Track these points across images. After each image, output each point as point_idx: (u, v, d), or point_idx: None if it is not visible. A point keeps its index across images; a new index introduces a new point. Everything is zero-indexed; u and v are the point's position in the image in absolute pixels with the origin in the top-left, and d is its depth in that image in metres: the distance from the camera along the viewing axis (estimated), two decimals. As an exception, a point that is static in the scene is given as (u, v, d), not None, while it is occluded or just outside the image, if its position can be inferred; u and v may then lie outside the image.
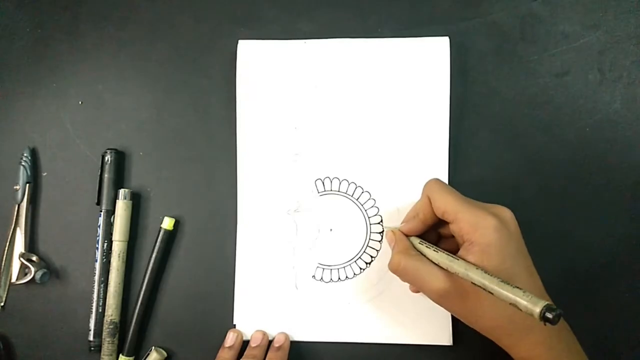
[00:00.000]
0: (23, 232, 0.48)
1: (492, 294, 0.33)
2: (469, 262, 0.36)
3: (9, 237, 0.48)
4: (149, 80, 0.50)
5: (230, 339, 0.46)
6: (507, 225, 0.38)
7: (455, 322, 0.46)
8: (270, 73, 0.48)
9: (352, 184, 0.47)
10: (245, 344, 0.46)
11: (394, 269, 0.40)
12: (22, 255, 0.47)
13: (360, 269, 0.47)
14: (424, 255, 0.40)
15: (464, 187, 0.47)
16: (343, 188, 0.48)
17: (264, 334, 0.46)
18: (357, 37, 0.48)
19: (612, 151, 0.47)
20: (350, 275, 0.47)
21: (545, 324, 0.30)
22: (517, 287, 0.32)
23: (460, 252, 0.38)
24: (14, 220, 0.48)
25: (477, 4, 0.49)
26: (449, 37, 0.47)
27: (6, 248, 0.48)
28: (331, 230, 0.47)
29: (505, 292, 0.32)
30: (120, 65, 0.50)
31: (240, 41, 0.49)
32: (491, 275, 0.34)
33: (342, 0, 0.50)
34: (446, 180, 0.47)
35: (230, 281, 0.47)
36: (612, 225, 0.47)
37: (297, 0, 0.50)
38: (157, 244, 0.47)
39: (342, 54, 0.48)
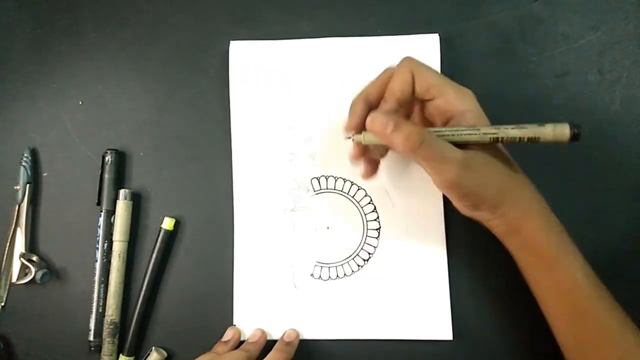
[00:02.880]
0: (23, 232, 0.48)
1: (516, 140, 0.36)
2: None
3: (10, 237, 0.48)
4: (149, 81, 0.50)
5: (227, 334, 0.46)
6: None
7: (456, 317, 0.46)
8: (263, 73, 0.48)
9: (348, 181, 0.48)
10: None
11: (414, 146, 0.36)
12: (22, 256, 0.47)
13: (359, 266, 0.47)
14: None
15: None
16: (339, 186, 0.48)
17: (263, 332, 0.46)
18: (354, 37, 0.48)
19: (612, 151, 0.47)
20: (349, 272, 0.47)
21: (572, 141, 0.34)
22: (538, 124, 0.35)
23: (450, 124, 0.39)
24: (15, 220, 0.48)
25: (477, 5, 0.49)
26: (449, 38, 0.47)
27: (6, 248, 0.48)
28: (328, 228, 0.48)
29: (537, 130, 0.35)
30: (120, 65, 0.51)
31: (232, 42, 0.49)
32: (511, 125, 0.36)
33: (341, 1, 0.50)
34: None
35: (231, 281, 0.47)
36: (612, 225, 0.47)
37: (296, 1, 0.50)
38: (157, 244, 0.47)
39: (334, 52, 0.48)
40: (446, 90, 0.39)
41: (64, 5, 0.51)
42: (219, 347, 0.45)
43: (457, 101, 0.39)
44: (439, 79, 0.39)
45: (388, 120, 0.36)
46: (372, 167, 0.44)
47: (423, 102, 0.41)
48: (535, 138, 0.36)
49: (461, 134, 0.37)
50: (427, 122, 0.42)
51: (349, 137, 0.41)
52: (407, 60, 0.40)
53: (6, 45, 0.51)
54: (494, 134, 0.37)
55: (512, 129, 0.36)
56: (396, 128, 0.36)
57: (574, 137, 0.33)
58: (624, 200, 0.47)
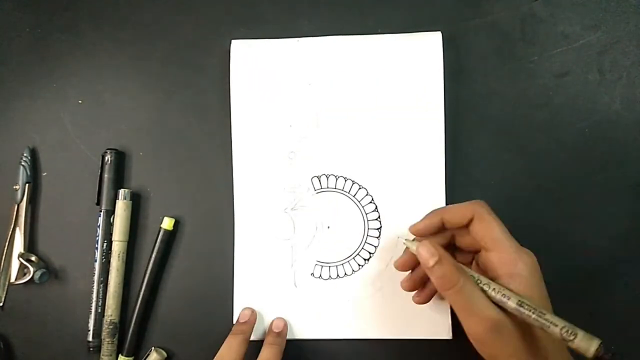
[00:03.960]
0: (22, 232, 0.48)
1: (542, 329, 0.33)
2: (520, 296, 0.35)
3: (9, 237, 0.48)
4: (149, 81, 0.50)
5: (245, 314, 0.46)
6: (539, 268, 0.37)
7: (455, 316, 0.46)
8: (264, 72, 0.48)
9: (349, 180, 0.48)
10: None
11: (449, 285, 0.36)
12: (21, 255, 0.47)
13: (359, 265, 0.47)
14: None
15: (464, 187, 0.47)
16: (339, 185, 0.48)
17: (253, 311, 0.46)
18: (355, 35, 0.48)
19: (611, 151, 0.47)
20: (349, 272, 0.47)
21: None
22: (575, 326, 0.32)
23: (501, 283, 0.36)
24: (14, 220, 0.48)
25: (477, 4, 0.49)
26: (449, 38, 0.48)
27: (5, 248, 0.48)
28: (329, 227, 0.47)
29: (560, 324, 0.32)
30: (120, 65, 0.50)
31: (233, 41, 0.49)
32: (544, 312, 0.33)
33: (341, 0, 0.50)
34: (443, 179, 0.47)
35: (231, 281, 0.47)
36: (612, 225, 0.47)
37: (296, 1, 0.50)
38: (157, 244, 0.47)
39: (335, 51, 0.48)
40: (503, 247, 0.37)
41: (64, 5, 0.51)
42: (239, 327, 0.45)
43: (510, 262, 0.36)
44: (499, 233, 0.37)
45: (434, 253, 0.37)
46: (425, 296, 0.43)
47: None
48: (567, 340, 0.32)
49: (503, 297, 0.35)
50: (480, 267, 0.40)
51: (402, 239, 0.42)
52: (477, 205, 0.39)
53: (6, 45, 0.51)
54: (531, 316, 0.33)
55: (555, 325, 0.33)
56: (438, 263, 0.36)
57: (599, 359, 0.30)
58: (624, 200, 0.47)
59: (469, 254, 0.42)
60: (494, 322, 0.34)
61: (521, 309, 0.34)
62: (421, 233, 0.41)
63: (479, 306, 0.35)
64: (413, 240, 0.41)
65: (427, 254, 0.37)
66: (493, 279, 0.37)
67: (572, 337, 0.31)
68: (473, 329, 0.35)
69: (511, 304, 0.34)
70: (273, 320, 0.46)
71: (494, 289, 0.35)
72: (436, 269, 0.36)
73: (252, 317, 0.46)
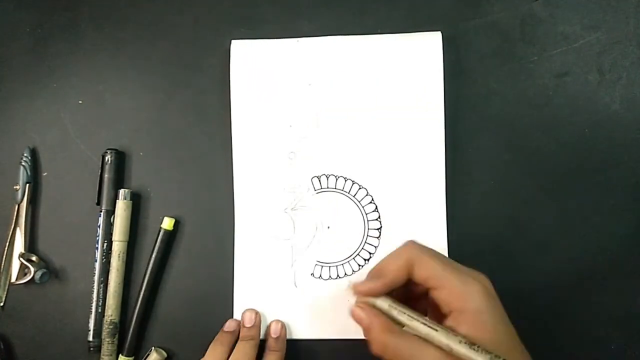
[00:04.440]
0: (23, 232, 0.48)
1: None
2: (450, 332, 0.33)
3: (9, 237, 0.48)
4: (149, 81, 0.50)
5: (249, 318, 0.46)
6: (492, 292, 0.35)
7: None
8: (264, 72, 0.48)
9: (349, 180, 0.48)
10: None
11: (381, 351, 0.34)
12: (21, 255, 0.47)
13: (359, 265, 0.47)
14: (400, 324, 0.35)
15: (464, 187, 0.47)
16: (340, 185, 0.48)
17: (256, 312, 0.46)
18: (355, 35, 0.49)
19: (611, 151, 0.47)
20: (349, 272, 0.47)
21: None
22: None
23: (449, 322, 0.34)
24: (14, 220, 0.48)
25: (477, 5, 0.49)
26: (449, 38, 0.48)
27: (6, 248, 0.48)
28: (329, 227, 0.47)
29: None
30: (120, 65, 0.50)
31: (233, 41, 0.49)
32: (477, 349, 0.31)
33: (341, 0, 0.50)
34: (443, 178, 0.47)
35: (231, 281, 0.47)
36: (612, 225, 0.47)
37: (296, 1, 0.50)
38: (157, 244, 0.47)
39: (335, 51, 0.48)
40: (445, 284, 0.34)
41: (64, 5, 0.51)
42: (222, 337, 0.45)
43: (457, 297, 0.34)
44: (440, 270, 0.34)
45: (364, 319, 0.35)
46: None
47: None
48: None
49: (419, 329, 0.33)
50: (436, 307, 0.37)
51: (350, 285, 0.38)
52: (409, 248, 0.36)
53: (6, 45, 0.51)
54: (461, 354, 0.31)
55: (472, 351, 0.31)
56: (368, 328, 0.35)
57: None
58: (624, 200, 0.47)
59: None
60: None
61: (454, 350, 0.32)
62: (366, 295, 0.37)
63: (416, 357, 0.33)
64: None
65: (357, 319, 0.36)
66: (446, 315, 0.34)
67: None
68: None
69: (457, 348, 0.32)
70: (270, 324, 0.46)
71: (435, 335, 0.33)
72: (367, 334, 0.35)
73: (257, 319, 0.46)
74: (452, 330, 0.33)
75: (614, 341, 0.46)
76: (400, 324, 0.35)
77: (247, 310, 0.46)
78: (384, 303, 0.35)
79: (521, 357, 0.34)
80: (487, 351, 0.31)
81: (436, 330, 0.33)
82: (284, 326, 0.46)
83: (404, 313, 0.35)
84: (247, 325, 0.46)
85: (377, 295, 0.36)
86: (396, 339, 0.34)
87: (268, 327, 0.46)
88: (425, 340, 0.33)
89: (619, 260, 0.46)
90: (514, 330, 0.34)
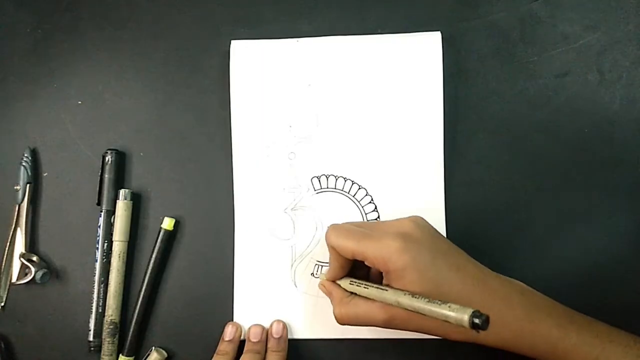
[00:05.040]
0: (23, 232, 0.48)
1: (424, 315, 0.34)
2: (396, 289, 0.37)
3: (10, 237, 0.48)
4: (149, 81, 0.50)
5: (230, 332, 0.46)
6: (413, 239, 0.38)
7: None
8: (264, 72, 0.48)
9: (349, 180, 0.48)
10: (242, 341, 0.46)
11: (340, 322, 0.40)
12: (22, 256, 0.47)
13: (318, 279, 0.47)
14: (358, 294, 0.40)
15: (463, 187, 0.47)
16: (339, 185, 0.48)
17: (263, 328, 0.46)
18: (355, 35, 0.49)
19: (611, 151, 0.47)
20: (349, 272, 0.47)
21: (478, 332, 0.30)
22: (442, 302, 0.32)
23: (385, 281, 0.38)
24: (15, 220, 0.48)
25: (477, 5, 0.49)
26: (449, 38, 0.48)
27: (6, 248, 0.48)
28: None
29: (433, 310, 0.33)
30: (120, 65, 0.51)
31: (232, 41, 0.49)
32: (418, 297, 0.34)
33: (341, 1, 0.50)
34: (442, 179, 0.47)
35: (231, 281, 0.47)
36: (612, 225, 0.47)
37: (296, 1, 0.50)
38: (157, 244, 0.47)
39: (335, 51, 0.48)
40: (366, 255, 0.38)
41: (64, 5, 0.51)
42: (223, 347, 0.45)
43: (378, 263, 0.37)
44: (356, 247, 0.38)
45: (325, 290, 0.43)
46: None
47: None
48: (444, 320, 0.32)
49: (379, 297, 0.37)
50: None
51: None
52: (326, 236, 0.41)
53: (6, 45, 0.51)
54: (405, 305, 0.35)
55: (424, 305, 0.34)
56: (330, 298, 0.42)
57: (475, 326, 0.30)
58: (624, 200, 0.47)
59: None
60: (384, 322, 0.38)
61: (404, 303, 0.35)
62: (334, 279, 0.43)
63: (368, 318, 0.39)
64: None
65: (323, 290, 0.44)
66: (387, 279, 0.38)
67: (448, 313, 0.32)
68: (382, 327, 0.39)
69: (401, 300, 0.36)
70: (272, 324, 0.46)
71: (386, 294, 0.37)
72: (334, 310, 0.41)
73: (237, 334, 0.46)
74: (399, 290, 0.37)
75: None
76: (361, 295, 0.40)
77: (254, 325, 0.46)
78: (345, 281, 0.42)
79: (463, 290, 0.37)
80: (426, 298, 0.34)
81: (386, 290, 0.37)
82: (285, 326, 0.46)
83: (361, 285, 0.40)
84: (253, 340, 0.45)
85: (337, 279, 0.42)
86: (349, 307, 0.40)
87: (269, 328, 0.46)
88: (374, 301, 0.38)
89: (619, 261, 0.46)
90: (449, 260, 0.38)
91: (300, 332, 0.47)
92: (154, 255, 0.47)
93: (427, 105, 0.47)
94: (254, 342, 0.45)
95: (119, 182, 0.49)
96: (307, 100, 0.48)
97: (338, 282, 0.43)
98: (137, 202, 0.49)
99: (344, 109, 0.48)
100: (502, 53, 0.48)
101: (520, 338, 0.37)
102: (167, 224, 0.47)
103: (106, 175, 0.48)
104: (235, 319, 0.47)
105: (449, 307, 0.31)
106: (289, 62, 0.48)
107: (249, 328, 0.46)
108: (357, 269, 0.42)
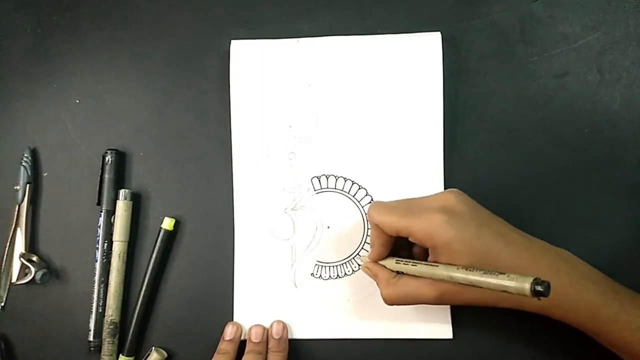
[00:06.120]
0: (23, 232, 0.48)
1: (481, 287, 0.33)
2: (447, 264, 0.37)
3: (10, 237, 0.48)
4: (149, 81, 0.50)
5: (230, 331, 0.46)
6: (456, 211, 0.38)
7: (456, 315, 0.46)
8: (264, 72, 0.48)
9: (349, 181, 0.48)
10: (243, 342, 0.46)
11: (388, 302, 0.41)
12: (22, 256, 0.47)
13: (359, 265, 0.47)
14: (406, 274, 0.40)
15: (463, 187, 0.47)
16: (339, 185, 0.48)
17: (264, 328, 0.46)
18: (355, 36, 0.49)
19: (611, 152, 0.47)
20: (349, 271, 0.47)
21: (539, 299, 0.30)
22: (500, 273, 0.32)
23: (431, 257, 0.38)
24: (15, 220, 0.48)
25: (477, 5, 0.49)
26: (449, 38, 0.48)
27: (6, 248, 0.48)
28: (329, 227, 0.48)
29: (491, 282, 0.32)
30: (120, 65, 0.51)
31: (232, 41, 0.49)
32: (472, 270, 0.34)
33: (341, 1, 0.50)
34: (442, 179, 0.47)
35: (231, 281, 0.47)
36: (612, 225, 0.47)
37: (296, 1, 0.50)
38: (157, 244, 0.47)
39: (335, 51, 0.48)
40: (411, 231, 0.38)
41: (64, 5, 0.51)
42: (224, 346, 0.45)
43: (424, 238, 0.38)
44: (400, 223, 0.38)
45: (370, 272, 0.43)
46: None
47: None
48: (503, 291, 0.32)
49: (430, 273, 0.37)
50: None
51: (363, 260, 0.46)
52: (369, 213, 0.41)
53: (6, 45, 0.51)
54: (459, 280, 0.35)
55: (481, 278, 0.33)
56: (376, 280, 0.42)
57: (537, 293, 0.30)
58: (624, 200, 0.47)
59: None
60: (436, 300, 0.38)
61: (458, 278, 0.35)
62: (378, 259, 0.43)
63: (420, 297, 0.39)
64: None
65: (367, 273, 0.43)
66: (433, 254, 0.39)
67: (508, 283, 0.31)
68: (434, 305, 0.40)
69: (455, 275, 0.35)
70: (272, 324, 0.46)
71: (436, 270, 0.37)
72: (380, 289, 0.41)
73: (265, 335, 0.46)
74: (450, 264, 0.37)
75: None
76: (409, 274, 0.40)
77: (255, 326, 0.46)
78: (389, 261, 0.42)
79: (509, 258, 0.37)
80: (481, 270, 0.33)
81: (437, 266, 0.37)
82: (285, 327, 0.46)
83: (408, 263, 0.39)
84: (255, 340, 0.45)
85: (381, 258, 0.42)
86: (397, 287, 0.40)
87: (270, 328, 0.46)
88: (422, 278, 0.38)
89: (619, 261, 0.46)
90: (495, 229, 0.38)
91: (300, 332, 0.47)
92: (154, 255, 0.47)
93: (427, 106, 0.47)
94: (255, 343, 0.45)
95: (119, 182, 0.49)
96: (307, 101, 0.48)
97: (382, 262, 0.42)
98: (137, 202, 0.49)
99: (344, 109, 0.48)
100: (502, 53, 0.48)
101: (564, 304, 0.38)
102: (167, 224, 0.47)
103: (106, 175, 0.48)
104: (235, 319, 0.47)
105: (508, 277, 0.31)
106: (289, 62, 0.48)
107: (250, 328, 0.46)
108: (400, 248, 0.43)
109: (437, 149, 0.47)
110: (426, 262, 0.38)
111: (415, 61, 0.47)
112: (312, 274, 0.47)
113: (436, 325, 0.46)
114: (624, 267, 0.46)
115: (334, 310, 0.47)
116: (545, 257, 0.39)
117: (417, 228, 0.38)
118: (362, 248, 0.47)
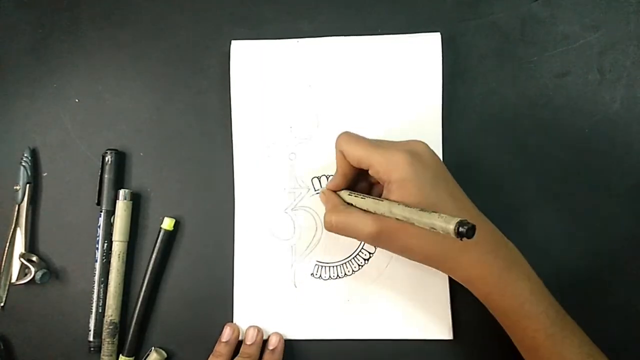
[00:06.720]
0: (23, 232, 0.48)
1: (413, 224, 0.34)
2: (391, 200, 0.37)
3: (9, 237, 0.48)
4: (149, 81, 0.50)
5: (227, 333, 0.46)
6: (420, 157, 0.39)
7: (455, 317, 0.46)
8: (264, 73, 0.48)
9: None
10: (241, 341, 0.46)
11: (328, 227, 0.41)
12: (22, 256, 0.47)
13: (359, 265, 0.47)
14: (355, 206, 0.41)
15: (463, 187, 0.47)
16: None
17: (259, 330, 0.46)
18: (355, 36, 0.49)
19: (612, 151, 0.47)
20: (349, 272, 0.47)
21: (462, 239, 0.30)
22: (433, 212, 0.33)
23: (384, 194, 0.39)
24: (14, 220, 0.48)
25: (477, 5, 0.49)
26: (449, 38, 0.48)
27: (6, 248, 0.48)
28: None
29: (422, 219, 0.33)
30: (120, 65, 0.51)
31: (233, 42, 0.49)
32: (411, 207, 0.35)
33: (341, 1, 0.50)
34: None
35: (231, 281, 0.47)
36: (612, 225, 0.47)
37: (297, 1, 0.50)
38: (157, 244, 0.47)
39: (335, 52, 0.48)
40: (372, 162, 0.39)
41: (64, 5, 0.51)
42: (220, 348, 0.45)
43: (383, 171, 0.38)
44: (364, 152, 0.39)
45: (323, 198, 0.45)
46: None
47: None
48: (431, 228, 0.33)
49: (374, 206, 0.38)
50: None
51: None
52: (338, 139, 0.42)
53: (6, 45, 0.51)
54: (397, 215, 0.36)
55: (415, 214, 0.34)
56: (326, 206, 0.44)
57: (460, 234, 0.30)
58: (624, 200, 0.47)
59: None
60: (370, 234, 0.39)
61: (394, 213, 0.36)
62: (336, 189, 0.44)
63: (356, 227, 0.39)
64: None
65: (321, 199, 0.45)
66: (387, 189, 0.39)
67: (435, 221, 0.32)
68: (365, 241, 0.41)
69: (394, 210, 0.36)
70: (270, 336, 0.46)
71: (380, 204, 0.38)
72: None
73: (259, 337, 0.46)
74: (386, 199, 0.38)
75: (615, 341, 0.46)
76: (356, 206, 0.41)
77: (250, 327, 0.46)
78: (344, 192, 0.43)
79: (452, 205, 0.38)
80: (418, 208, 0.34)
81: (381, 200, 0.38)
82: (282, 340, 0.46)
83: (358, 196, 0.41)
84: (248, 342, 0.46)
85: (339, 189, 0.43)
86: (340, 215, 0.41)
87: (268, 339, 0.46)
88: (366, 212, 0.39)
89: (620, 261, 0.46)
90: (448, 188, 0.39)
91: (300, 332, 0.47)
92: (153, 256, 0.47)
93: (426, 106, 0.47)
94: (248, 345, 0.45)
95: (119, 182, 0.49)
96: (307, 101, 0.48)
97: (338, 193, 0.43)
98: (137, 202, 0.49)
99: (344, 109, 0.48)
100: (502, 53, 0.48)
101: (495, 286, 0.39)
102: (167, 224, 0.47)
103: (106, 175, 0.48)
104: (235, 319, 0.47)
105: (439, 216, 0.32)
106: (289, 62, 0.48)
107: (246, 330, 0.46)
108: (359, 183, 0.44)
109: (437, 149, 0.47)
110: (374, 197, 0.39)
111: (415, 61, 0.47)
112: (312, 274, 0.47)
113: (436, 326, 0.46)
114: (624, 266, 0.46)
115: (334, 311, 0.47)
116: (492, 237, 0.40)
117: (378, 160, 0.38)
118: (362, 248, 0.47)
